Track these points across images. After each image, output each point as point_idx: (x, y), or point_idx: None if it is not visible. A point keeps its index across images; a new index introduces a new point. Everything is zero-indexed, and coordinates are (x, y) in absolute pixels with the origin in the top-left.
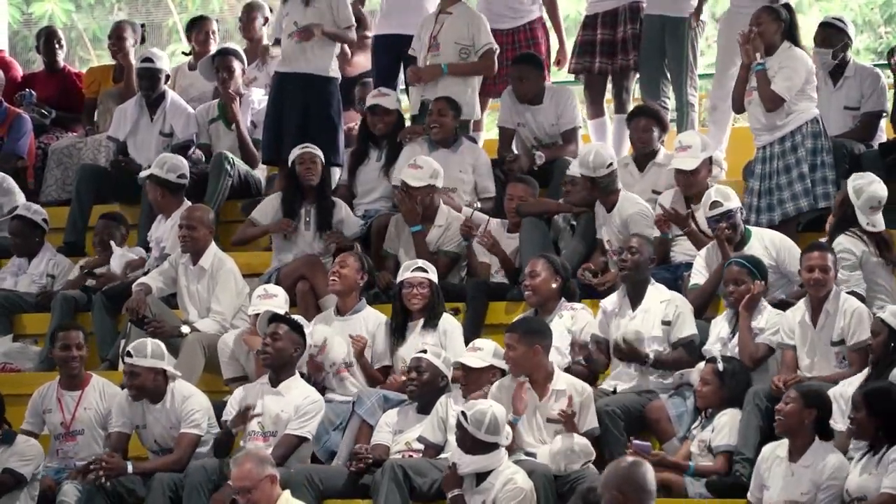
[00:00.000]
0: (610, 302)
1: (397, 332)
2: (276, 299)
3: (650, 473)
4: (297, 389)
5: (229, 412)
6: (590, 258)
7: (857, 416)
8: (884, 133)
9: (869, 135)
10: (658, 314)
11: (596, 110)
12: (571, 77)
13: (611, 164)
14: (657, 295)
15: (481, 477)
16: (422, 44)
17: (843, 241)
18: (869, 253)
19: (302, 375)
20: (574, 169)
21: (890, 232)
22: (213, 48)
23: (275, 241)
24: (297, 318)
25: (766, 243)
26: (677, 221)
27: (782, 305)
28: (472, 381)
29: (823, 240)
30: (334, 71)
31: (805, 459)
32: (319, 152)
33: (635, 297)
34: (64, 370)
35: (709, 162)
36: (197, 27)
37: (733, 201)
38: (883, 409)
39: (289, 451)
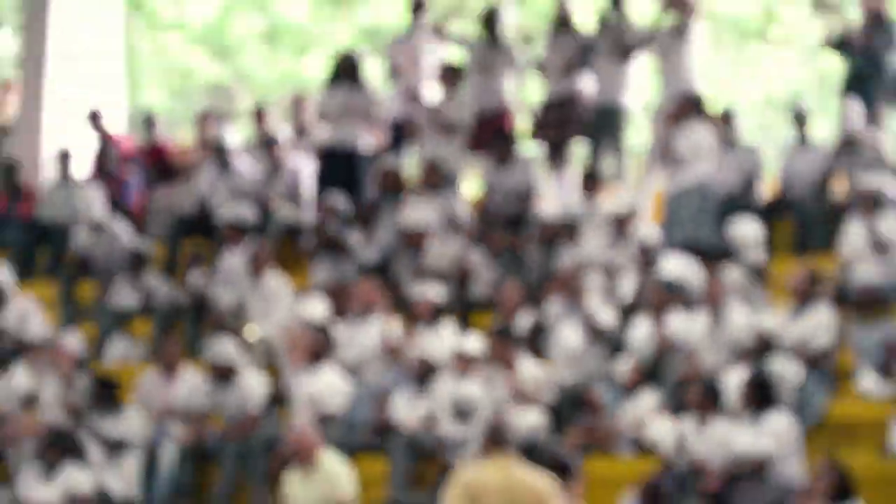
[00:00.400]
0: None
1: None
2: (316, 306)
3: None
4: (327, 375)
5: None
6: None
7: (747, 392)
8: (762, 191)
9: (752, 191)
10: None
11: (551, 168)
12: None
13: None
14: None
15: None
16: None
17: (727, 273)
18: (749, 283)
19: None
20: (542, 214)
21: (783, 261)
22: (274, 127)
23: (310, 269)
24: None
25: (678, 265)
26: None
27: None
28: (461, 366)
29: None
30: (367, 146)
31: (706, 427)
32: (335, 203)
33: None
34: (164, 362)
35: (633, 209)
36: (261, 112)
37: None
38: (763, 387)
39: (324, 422)
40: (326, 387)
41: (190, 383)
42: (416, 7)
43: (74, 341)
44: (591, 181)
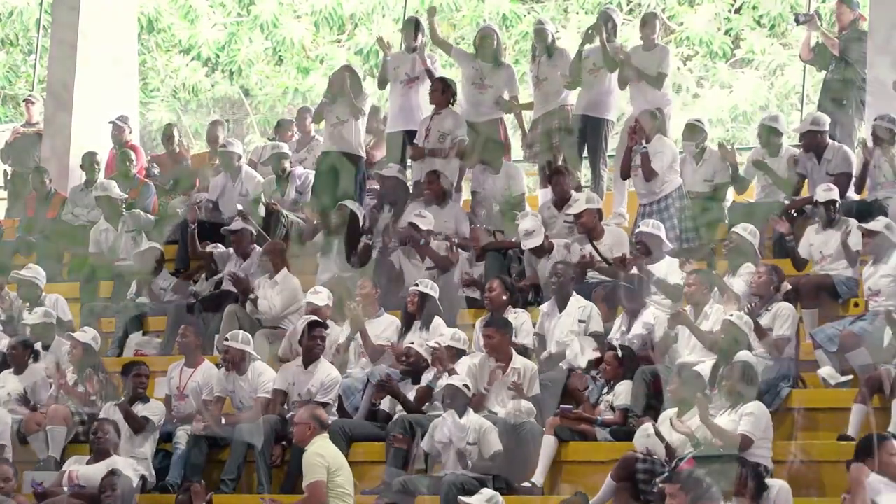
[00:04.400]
0: (546, 306)
1: (405, 328)
2: (321, 295)
3: None
4: (321, 369)
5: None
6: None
7: (729, 384)
8: (731, 198)
9: (720, 198)
10: (576, 315)
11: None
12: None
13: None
14: (576, 302)
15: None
16: (420, 133)
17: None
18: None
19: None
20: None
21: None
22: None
23: (319, 265)
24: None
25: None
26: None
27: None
28: (441, 356)
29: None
30: (361, 149)
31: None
32: (349, 207)
33: (562, 304)
34: (184, 353)
35: (594, 211)
36: (280, 127)
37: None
38: (748, 380)
39: (320, 412)
40: (321, 380)
41: (206, 372)
42: (409, 26)
43: (89, 336)
44: (558, 177)
